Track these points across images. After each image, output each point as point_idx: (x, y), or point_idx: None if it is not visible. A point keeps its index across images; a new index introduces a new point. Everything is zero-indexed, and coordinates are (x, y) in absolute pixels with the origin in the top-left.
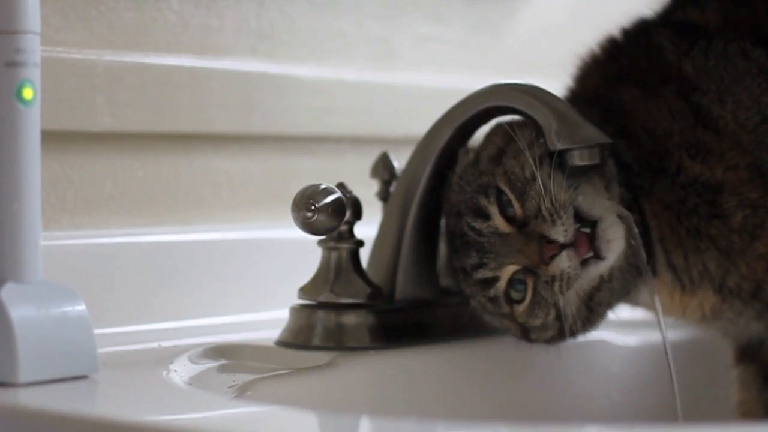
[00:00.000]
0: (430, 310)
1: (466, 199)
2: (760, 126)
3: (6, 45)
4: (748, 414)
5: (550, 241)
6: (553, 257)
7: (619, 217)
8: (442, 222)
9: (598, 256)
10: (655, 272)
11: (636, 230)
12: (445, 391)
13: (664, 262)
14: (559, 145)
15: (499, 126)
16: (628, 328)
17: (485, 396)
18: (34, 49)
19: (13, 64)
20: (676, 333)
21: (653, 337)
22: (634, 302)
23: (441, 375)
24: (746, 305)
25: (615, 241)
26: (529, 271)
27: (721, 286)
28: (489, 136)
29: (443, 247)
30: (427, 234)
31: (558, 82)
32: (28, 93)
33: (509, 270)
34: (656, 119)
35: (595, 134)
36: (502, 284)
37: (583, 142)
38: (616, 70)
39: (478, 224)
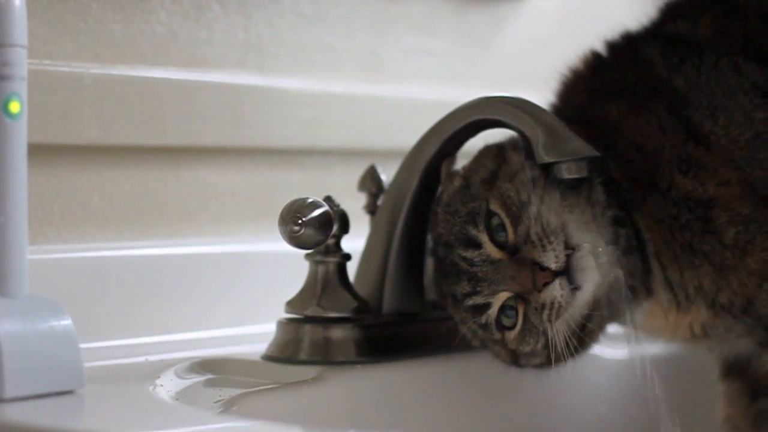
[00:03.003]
0: (417, 324)
1: (455, 231)
2: (751, 142)
3: None
4: (735, 429)
5: (543, 268)
6: (546, 285)
7: (597, 250)
8: (429, 238)
9: (572, 284)
10: (651, 291)
11: (619, 268)
12: (432, 405)
13: (661, 278)
14: (547, 158)
15: (488, 148)
16: (617, 342)
17: (473, 410)
18: (21, 62)
19: None
20: (660, 348)
21: (642, 350)
22: (626, 323)
23: (427, 389)
24: (737, 321)
25: (588, 271)
26: (520, 297)
27: (714, 302)
28: (479, 158)
29: (430, 261)
30: (414, 248)
31: (546, 95)
32: (15, 106)
33: (501, 297)
34: (646, 134)
35: (582, 147)
36: (493, 311)
37: (571, 155)
38: (601, 85)
39: (469, 254)
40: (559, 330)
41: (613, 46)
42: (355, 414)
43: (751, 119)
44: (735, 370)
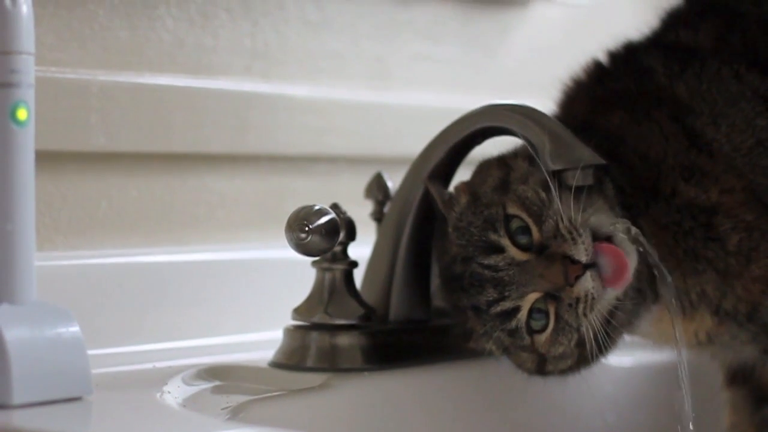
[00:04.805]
0: (424, 331)
1: (473, 240)
2: (754, 149)
3: (0, 66)
4: None
5: (575, 261)
6: (577, 278)
7: (628, 232)
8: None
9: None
10: (657, 296)
11: (646, 242)
12: (438, 413)
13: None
14: (554, 166)
15: (487, 161)
16: (623, 349)
17: (478, 417)
18: (28, 69)
19: (7, 85)
20: (665, 355)
21: (648, 357)
22: (636, 331)
23: (434, 396)
24: (742, 328)
25: (630, 255)
26: (550, 296)
27: (718, 309)
28: (481, 172)
29: (438, 282)
30: (421, 255)
31: (552, 102)
32: (22, 114)
33: (531, 298)
34: (648, 142)
35: (589, 155)
36: (523, 314)
37: (577, 163)
38: (602, 95)
39: (492, 260)
40: (592, 324)
41: (615, 56)
42: (361, 421)
43: (753, 127)
44: (739, 377)
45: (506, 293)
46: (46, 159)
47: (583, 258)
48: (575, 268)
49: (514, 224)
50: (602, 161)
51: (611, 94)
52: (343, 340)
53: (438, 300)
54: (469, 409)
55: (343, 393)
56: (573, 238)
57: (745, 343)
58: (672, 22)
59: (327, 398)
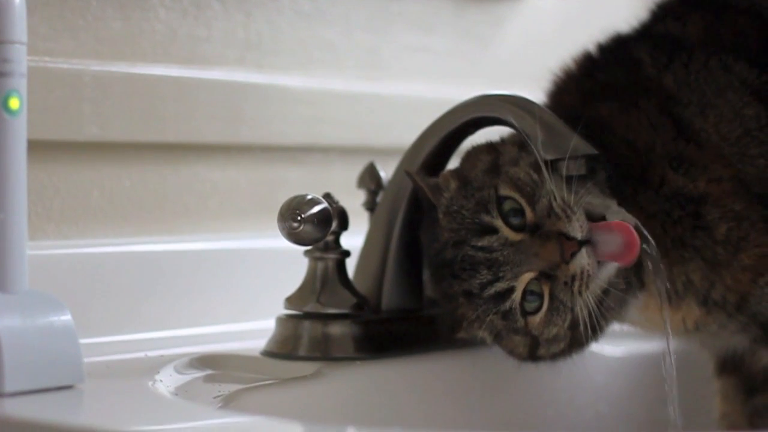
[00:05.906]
0: (416, 320)
1: (465, 223)
2: (742, 138)
3: None
4: (732, 427)
5: (570, 238)
6: (573, 254)
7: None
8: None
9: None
10: (643, 284)
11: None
12: (431, 402)
13: (651, 272)
14: (546, 156)
15: (476, 147)
16: (615, 339)
17: (471, 406)
18: (20, 59)
19: None
20: (655, 345)
21: (640, 347)
22: (623, 319)
23: (426, 385)
24: (731, 318)
25: None
26: (544, 276)
27: (706, 299)
28: (470, 157)
29: (429, 273)
30: (413, 244)
31: (545, 93)
32: (14, 103)
33: (525, 278)
34: (637, 132)
35: (581, 145)
36: (518, 294)
37: (570, 153)
38: (592, 86)
39: (485, 242)
40: (587, 303)
41: (604, 47)
42: (353, 410)
43: (741, 116)
44: (729, 366)
45: (500, 274)
46: (38, 148)
47: (578, 234)
48: (571, 245)
49: (507, 205)
50: (594, 151)
51: (600, 85)
52: (335, 329)
53: (430, 290)
54: (461, 398)
55: (335, 382)
56: (567, 216)
57: (734, 332)
58: (661, 13)
59: (319, 387)
